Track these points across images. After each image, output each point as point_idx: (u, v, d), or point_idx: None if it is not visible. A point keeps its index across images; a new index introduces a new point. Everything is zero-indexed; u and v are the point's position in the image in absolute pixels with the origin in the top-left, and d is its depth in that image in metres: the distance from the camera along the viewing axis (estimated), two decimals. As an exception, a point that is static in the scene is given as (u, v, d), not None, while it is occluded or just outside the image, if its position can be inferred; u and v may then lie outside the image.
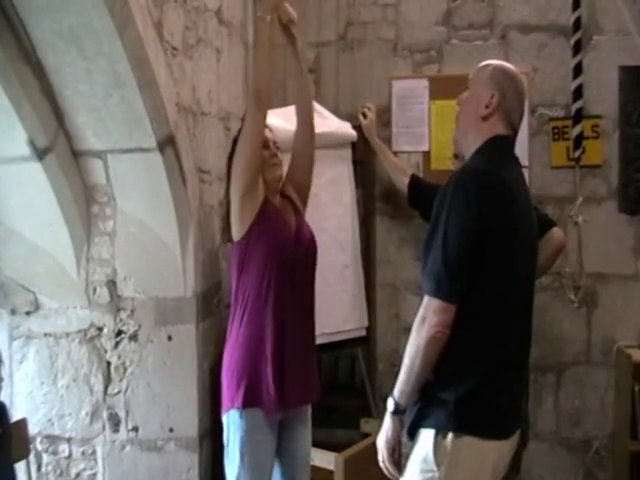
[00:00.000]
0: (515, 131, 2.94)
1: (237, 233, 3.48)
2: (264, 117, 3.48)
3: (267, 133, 3.65)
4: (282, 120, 4.32)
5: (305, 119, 3.83)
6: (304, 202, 3.79)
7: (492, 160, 2.81)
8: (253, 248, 3.46)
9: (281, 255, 3.47)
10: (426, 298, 2.66)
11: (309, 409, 3.67)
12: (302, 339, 3.54)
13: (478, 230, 2.62)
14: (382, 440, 2.81)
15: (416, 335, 2.66)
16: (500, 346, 2.72)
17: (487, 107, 2.86)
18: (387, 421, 2.79)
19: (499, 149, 2.87)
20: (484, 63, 3.02)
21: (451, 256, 2.62)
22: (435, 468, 2.65)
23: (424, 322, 2.64)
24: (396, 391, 2.75)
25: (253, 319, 3.47)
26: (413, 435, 2.76)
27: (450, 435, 2.64)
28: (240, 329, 3.49)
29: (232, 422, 3.44)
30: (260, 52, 3.56)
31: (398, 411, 2.75)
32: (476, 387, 2.65)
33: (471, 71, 3.05)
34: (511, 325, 2.76)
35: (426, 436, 2.69)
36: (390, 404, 2.76)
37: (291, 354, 3.47)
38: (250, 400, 3.42)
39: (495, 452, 2.71)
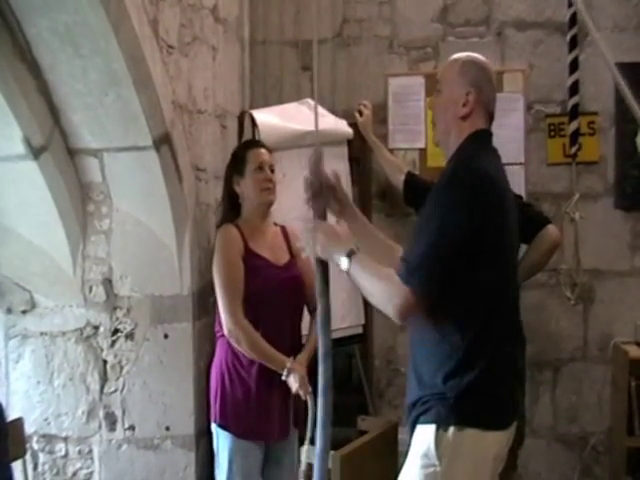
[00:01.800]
0: (492, 119, 2.89)
1: None
2: None
3: (264, 155, 3.74)
4: (278, 118, 4.32)
5: None
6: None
7: (477, 156, 2.76)
8: None
9: (263, 297, 3.59)
10: (397, 278, 2.57)
11: (295, 437, 3.78)
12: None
13: (473, 228, 2.58)
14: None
15: (383, 295, 2.61)
16: (497, 339, 2.70)
17: (465, 106, 2.79)
18: None
19: (481, 143, 2.83)
20: (451, 59, 2.94)
21: (437, 253, 2.56)
22: (437, 462, 2.63)
23: (392, 299, 2.57)
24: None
25: (235, 349, 3.61)
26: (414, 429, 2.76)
27: (452, 428, 2.62)
28: (222, 351, 3.67)
29: (220, 431, 3.62)
30: None
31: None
32: (476, 380, 2.64)
33: (441, 70, 3.02)
34: (506, 318, 2.76)
35: (426, 431, 2.67)
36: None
37: (270, 389, 3.59)
38: (224, 426, 3.61)
39: (496, 442, 2.71)
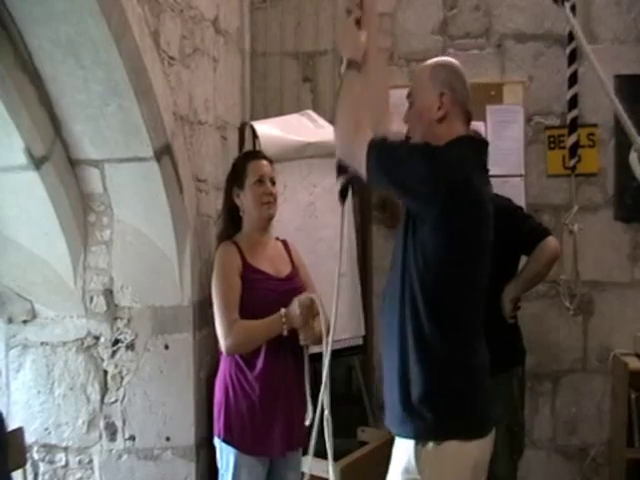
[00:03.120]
0: (470, 119, 2.85)
1: None
2: None
3: (265, 167, 3.68)
4: (279, 129, 4.34)
5: None
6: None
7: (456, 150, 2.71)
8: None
9: (265, 310, 3.50)
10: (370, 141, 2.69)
11: (299, 453, 3.71)
12: (291, 384, 3.57)
13: (437, 196, 2.60)
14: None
15: (352, 129, 2.76)
16: (471, 350, 2.72)
17: (440, 108, 2.75)
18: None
19: (465, 151, 2.73)
20: (420, 67, 2.97)
21: (402, 161, 2.65)
22: (418, 476, 2.63)
23: (354, 145, 2.74)
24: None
25: (239, 363, 3.55)
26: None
27: (430, 443, 2.62)
28: (227, 366, 3.59)
29: (224, 446, 3.56)
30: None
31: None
32: (451, 393, 2.65)
33: (414, 78, 3.04)
34: (477, 329, 2.77)
35: (406, 446, 2.67)
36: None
37: (274, 405, 3.52)
38: (229, 441, 3.53)
39: (476, 451, 2.70)
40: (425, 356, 2.64)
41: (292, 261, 3.74)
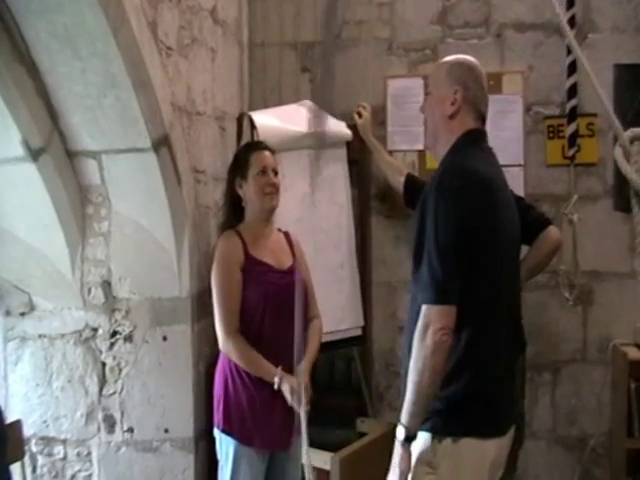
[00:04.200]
0: (484, 120, 2.89)
1: None
2: None
3: (267, 158, 3.68)
4: (277, 120, 4.32)
5: None
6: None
7: (468, 155, 2.76)
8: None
9: (266, 302, 3.55)
10: (425, 307, 2.57)
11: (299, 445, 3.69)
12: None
13: (466, 231, 2.57)
14: (396, 473, 2.63)
15: (420, 346, 2.55)
16: (490, 346, 2.69)
17: (453, 104, 2.82)
18: (398, 451, 2.63)
19: (473, 143, 2.82)
20: (438, 62, 3.04)
21: (446, 261, 2.55)
22: (434, 469, 2.63)
23: (427, 331, 2.53)
24: (405, 416, 2.61)
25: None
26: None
27: (447, 439, 2.62)
28: (226, 359, 3.62)
29: (223, 437, 3.58)
30: None
31: (409, 438, 2.61)
32: (469, 390, 2.63)
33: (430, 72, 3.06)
34: (499, 324, 2.73)
35: (423, 439, 2.66)
36: (400, 432, 2.62)
37: (274, 397, 3.52)
38: (228, 432, 3.56)
39: (493, 448, 2.70)
40: None
41: (294, 253, 3.74)
